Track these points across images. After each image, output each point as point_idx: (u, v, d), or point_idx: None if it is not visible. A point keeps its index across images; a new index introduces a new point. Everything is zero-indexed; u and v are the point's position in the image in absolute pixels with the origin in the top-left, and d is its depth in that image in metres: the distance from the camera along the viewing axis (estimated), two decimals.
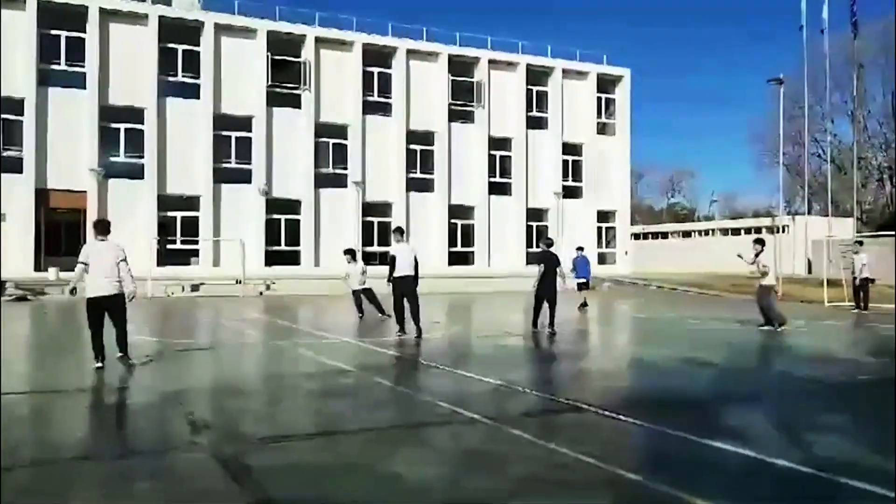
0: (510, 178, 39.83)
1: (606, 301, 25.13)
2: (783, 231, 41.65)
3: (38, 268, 29.27)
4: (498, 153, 39.47)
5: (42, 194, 30.52)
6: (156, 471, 4.99)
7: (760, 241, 14.95)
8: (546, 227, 39.89)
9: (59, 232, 31.08)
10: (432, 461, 5.18)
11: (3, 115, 29.92)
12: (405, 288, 12.70)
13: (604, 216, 42.26)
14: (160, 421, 6.70)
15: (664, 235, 67.97)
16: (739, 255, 15.10)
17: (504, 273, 34.97)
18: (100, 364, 9.12)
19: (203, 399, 7.77)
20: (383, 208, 36.81)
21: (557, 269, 14.01)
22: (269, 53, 34.37)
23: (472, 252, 38.86)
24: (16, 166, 30.03)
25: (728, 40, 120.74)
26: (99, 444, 5.95)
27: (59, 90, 30.88)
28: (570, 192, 41.11)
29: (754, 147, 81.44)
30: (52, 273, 27.83)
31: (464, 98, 38.71)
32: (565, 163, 41.09)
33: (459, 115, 38.60)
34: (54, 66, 31.05)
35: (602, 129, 42.40)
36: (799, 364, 10.40)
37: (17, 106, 30.08)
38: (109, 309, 9.26)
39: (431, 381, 8.77)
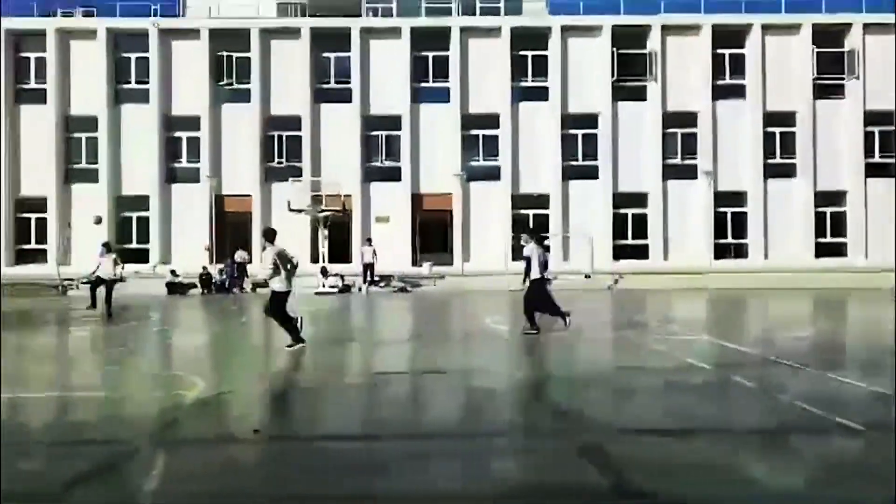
0: None
1: None
2: None
3: (414, 263, 33.20)
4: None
5: (416, 198, 34.58)
6: (518, 452, 5.38)
7: None
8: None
9: (430, 231, 34.81)
10: (798, 468, 4.80)
11: (386, 132, 34.54)
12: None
13: None
14: (523, 405, 7.19)
15: None
16: None
17: (883, 267, 30.47)
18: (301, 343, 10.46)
19: (562, 388, 8.12)
20: (737, 198, 34.61)
21: None
22: (613, 48, 34.51)
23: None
24: (396, 175, 34.45)
25: None
26: (462, 422, 6.59)
27: (428, 105, 34.64)
28: (876, 171, 34.40)
29: None
30: (425, 268, 31.33)
31: (832, 70, 34.56)
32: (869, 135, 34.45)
33: (827, 90, 34.58)
34: (423, 84, 34.89)
35: None
36: None
37: (395, 122, 34.48)
38: (284, 299, 10.65)
39: (796, 383, 8.06)
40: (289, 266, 10.91)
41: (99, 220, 24.71)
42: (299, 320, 10.88)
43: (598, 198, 34.38)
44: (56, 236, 32.81)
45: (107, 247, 17.48)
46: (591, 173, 34.59)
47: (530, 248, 12.89)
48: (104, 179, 33.86)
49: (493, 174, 34.58)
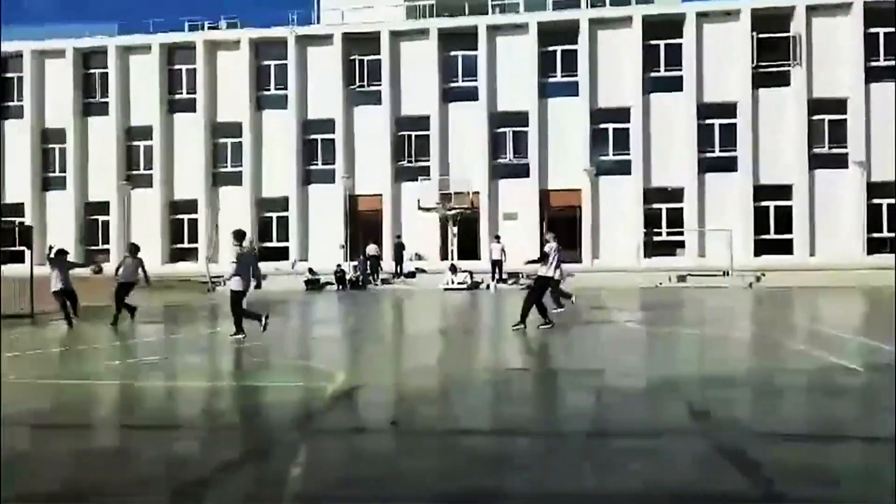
0: None
1: None
2: None
3: None
4: None
5: (544, 194, 34.30)
6: (653, 452, 5.21)
7: None
8: None
9: (559, 227, 34.23)
10: None
11: (513, 129, 34.48)
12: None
13: None
14: (657, 404, 6.95)
15: None
16: None
17: None
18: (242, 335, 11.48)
19: (698, 387, 7.79)
20: (894, 189, 31.92)
21: None
22: (753, 33, 32.77)
23: None
24: (523, 171, 34.29)
25: None
26: (596, 421, 6.45)
27: (556, 100, 34.23)
28: None
29: None
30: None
31: None
32: None
33: None
34: (551, 79, 34.52)
35: None
36: None
37: (522, 118, 34.31)
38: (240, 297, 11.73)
39: None
40: (250, 267, 12.00)
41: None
42: (264, 318, 11.73)
43: (737, 190, 32.79)
44: (205, 236, 35.12)
45: (132, 249, 15.72)
46: (730, 165, 33.03)
47: (551, 247, 12.91)
48: (247, 182, 35.87)
49: (623, 168, 33.74)
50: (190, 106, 36.40)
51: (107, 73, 36.91)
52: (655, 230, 33.36)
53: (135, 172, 36.86)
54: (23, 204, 36.72)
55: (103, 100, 36.98)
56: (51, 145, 37.39)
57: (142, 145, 36.98)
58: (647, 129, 33.46)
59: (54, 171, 37.39)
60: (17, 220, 36.10)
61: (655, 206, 33.55)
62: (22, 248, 20.31)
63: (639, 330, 13.58)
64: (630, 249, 30.42)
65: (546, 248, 12.86)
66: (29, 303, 16.02)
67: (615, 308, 16.49)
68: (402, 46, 35.20)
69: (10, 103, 37.56)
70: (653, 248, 32.57)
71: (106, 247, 36.45)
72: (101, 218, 36.84)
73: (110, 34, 37.23)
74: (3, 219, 33.14)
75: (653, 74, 33.65)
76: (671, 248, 33.29)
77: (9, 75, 37.67)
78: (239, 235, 12.15)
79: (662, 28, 33.49)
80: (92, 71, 37.33)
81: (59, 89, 36.87)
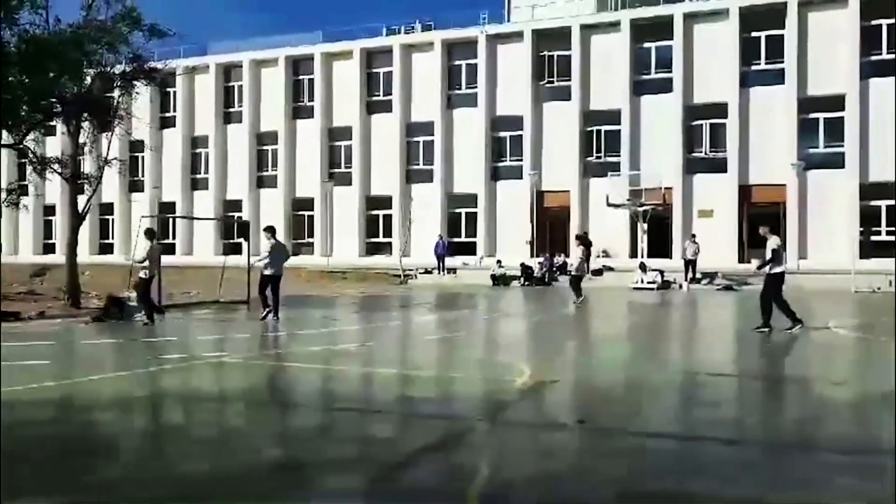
0: None
1: None
2: None
3: (741, 259, 31.00)
4: None
5: (744, 190, 32.25)
6: (859, 469, 4.80)
7: None
8: None
9: (760, 225, 32.10)
10: None
11: (710, 121, 32.78)
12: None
13: None
14: (868, 420, 6.37)
15: None
16: None
17: None
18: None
19: None
20: None
21: None
22: None
23: None
24: (721, 166, 32.44)
25: None
26: (800, 433, 5.99)
27: (758, 89, 32.09)
28: None
29: None
30: (753, 265, 29.02)
31: None
32: None
33: None
34: (754, 67, 32.38)
35: None
36: None
37: (720, 110, 32.49)
38: (275, 282, 13.53)
39: None
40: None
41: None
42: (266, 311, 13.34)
43: None
44: (399, 230, 36.76)
45: (150, 234, 13.60)
46: None
47: (777, 243, 12.26)
48: (437, 178, 37.05)
49: (836, 162, 30.94)
50: (386, 107, 38.21)
51: (313, 79, 39.71)
52: (873, 229, 30.25)
53: (336, 171, 39.34)
54: (241, 200, 40.57)
55: (309, 103, 39.82)
56: (264, 147, 40.88)
57: (342, 145, 39.39)
58: (864, 118, 30.44)
59: (267, 170, 40.85)
60: (236, 214, 40.14)
61: (873, 203, 30.47)
62: (240, 240, 22.43)
63: (849, 337, 12.42)
64: (842, 250, 27.78)
65: (774, 246, 12.18)
66: (246, 290, 17.51)
67: (824, 313, 15.17)
68: (593, 40, 34.62)
69: (232, 109, 41.59)
70: (870, 249, 29.54)
71: (311, 240, 39.27)
72: (306, 213, 39.74)
73: (315, 42, 40.01)
74: (225, 214, 36.79)
75: (872, 58, 30.53)
76: (892, 250, 30.03)
77: (231, 84, 41.73)
78: (271, 231, 14.24)
79: (883, 7, 30.21)
80: (300, 77, 40.33)
81: (272, 95, 40.21)
